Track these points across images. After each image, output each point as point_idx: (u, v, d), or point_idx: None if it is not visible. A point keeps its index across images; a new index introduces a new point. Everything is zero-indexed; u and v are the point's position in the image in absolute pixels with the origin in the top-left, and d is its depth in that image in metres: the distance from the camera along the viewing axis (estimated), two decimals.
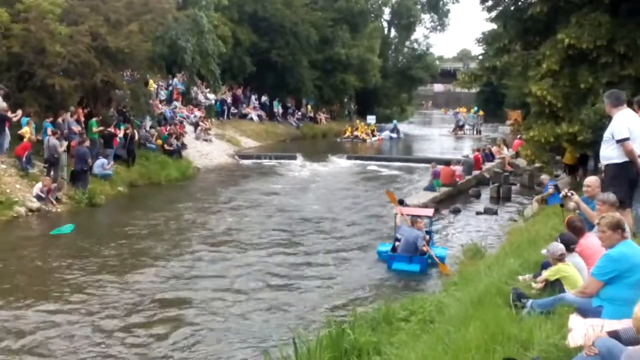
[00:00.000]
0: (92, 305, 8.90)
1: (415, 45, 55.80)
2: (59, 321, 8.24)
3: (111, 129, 19.03)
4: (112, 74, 18.97)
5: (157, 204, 16.96)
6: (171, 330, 8.17)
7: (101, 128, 18.69)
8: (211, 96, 31.83)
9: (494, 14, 18.39)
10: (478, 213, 16.91)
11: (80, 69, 17.63)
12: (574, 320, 4.70)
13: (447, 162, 20.78)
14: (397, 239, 11.87)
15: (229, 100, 34.51)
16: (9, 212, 13.94)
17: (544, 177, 16.97)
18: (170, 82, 29.11)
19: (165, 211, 15.69)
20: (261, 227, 14.33)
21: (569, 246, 6.21)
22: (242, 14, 36.99)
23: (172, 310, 8.88)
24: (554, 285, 5.88)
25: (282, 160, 26.50)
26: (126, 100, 21.16)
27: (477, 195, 19.61)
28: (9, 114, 16.05)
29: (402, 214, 12.34)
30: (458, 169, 20.09)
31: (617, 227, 4.82)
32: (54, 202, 15.15)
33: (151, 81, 25.21)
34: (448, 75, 60.86)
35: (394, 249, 11.81)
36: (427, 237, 12.11)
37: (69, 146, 16.89)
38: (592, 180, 7.53)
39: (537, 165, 19.44)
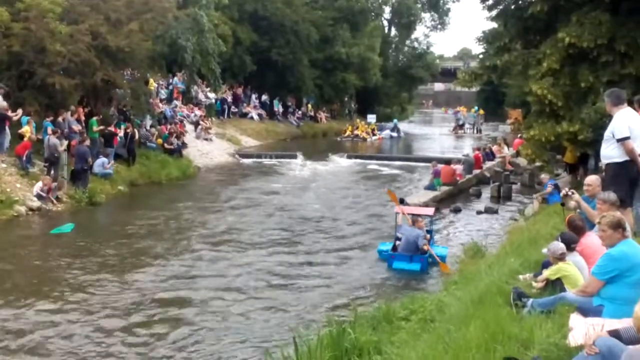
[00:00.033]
0: (92, 304, 8.90)
1: (416, 44, 55.94)
2: (59, 320, 8.24)
3: (111, 128, 19.05)
4: (113, 73, 18.97)
5: (158, 203, 16.96)
6: (171, 329, 8.16)
7: (101, 127, 18.69)
8: (211, 95, 31.80)
9: (494, 12, 18.36)
10: (479, 212, 16.90)
11: (80, 68, 17.63)
12: (575, 319, 4.70)
13: (448, 161, 20.77)
14: (398, 238, 11.86)
15: (230, 99, 34.48)
16: (9, 211, 13.94)
17: (544, 176, 16.97)
18: (171, 81, 29.10)
19: (165, 210, 15.69)
20: (261, 227, 14.32)
21: (570, 245, 6.20)
22: (243, 12, 36.99)
23: (172, 310, 8.87)
24: (555, 285, 5.87)
25: (282, 159, 26.49)
26: (126, 99, 21.17)
27: (478, 195, 19.59)
28: (9, 113, 16.07)
29: (402, 213, 12.33)
30: (459, 168, 20.07)
31: (618, 226, 4.82)
32: (54, 201, 15.15)
33: (151, 80, 25.19)
34: (448, 74, 60.82)
35: (394, 248, 11.81)
36: (428, 236, 12.11)
37: (69, 145, 16.89)
38: (592, 179, 7.53)
39: (537, 164, 19.41)
